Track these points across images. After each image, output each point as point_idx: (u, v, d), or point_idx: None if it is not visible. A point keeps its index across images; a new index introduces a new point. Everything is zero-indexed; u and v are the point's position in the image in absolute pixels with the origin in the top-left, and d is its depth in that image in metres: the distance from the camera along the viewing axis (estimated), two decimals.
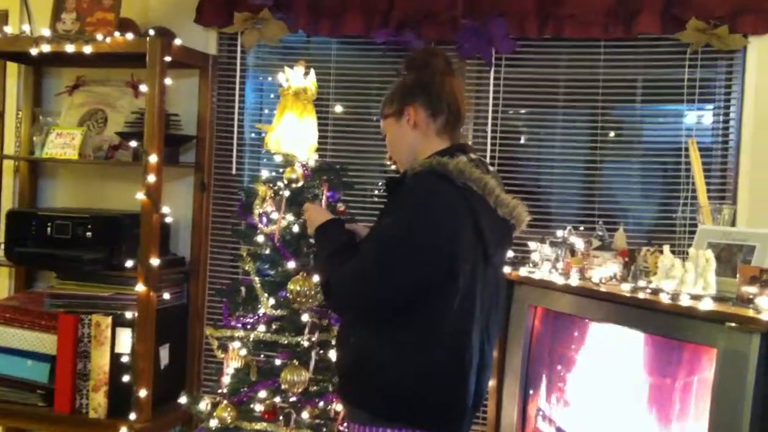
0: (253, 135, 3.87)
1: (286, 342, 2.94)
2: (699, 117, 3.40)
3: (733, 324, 2.02)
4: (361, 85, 3.74)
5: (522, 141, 3.64)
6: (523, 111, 3.63)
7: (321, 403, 2.96)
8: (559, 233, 2.95)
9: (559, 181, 3.58)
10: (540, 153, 3.64)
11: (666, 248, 2.44)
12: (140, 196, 3.34)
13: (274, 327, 2.99)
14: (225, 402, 2.96)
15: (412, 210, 2.09)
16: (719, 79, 3.36)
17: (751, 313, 2.03)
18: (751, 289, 2.13)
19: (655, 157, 3.49)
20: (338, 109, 3.62)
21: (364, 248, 2.17)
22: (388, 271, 2.07)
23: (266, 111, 3.89)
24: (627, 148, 3.51)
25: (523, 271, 2.94)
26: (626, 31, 3.31)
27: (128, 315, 3.42)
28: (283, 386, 2.88)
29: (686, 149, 3.14)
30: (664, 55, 3.39)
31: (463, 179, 2.11)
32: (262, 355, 3.10)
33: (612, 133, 3.51)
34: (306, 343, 2.93)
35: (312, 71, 3.07)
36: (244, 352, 2.96)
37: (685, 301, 2.20)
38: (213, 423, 2.96)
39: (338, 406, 2.96)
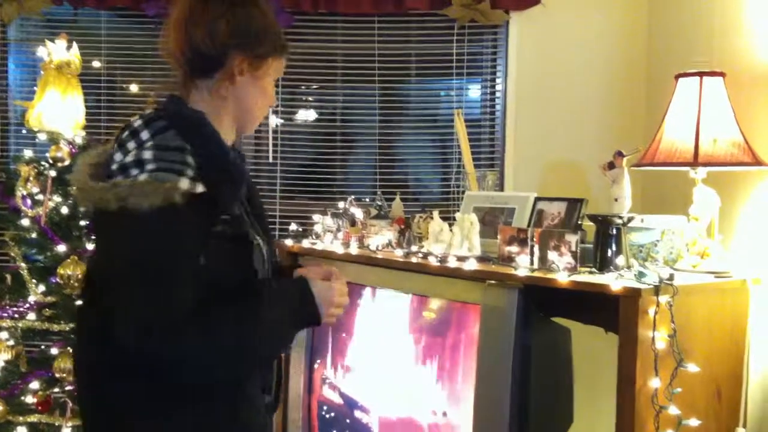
0: (19, 114, 3.62)
1: (58, 329, 2.80)
2: (468, 90, 3.57)
3: (493, 281, 2.15)
4: (136, 59, 3.59)
5: (303, 116, 3.66)
6: (303, 86, 3.64)
7: None
8: (341, 205, 3.00)
9: (343, 154, 3.64)
10: (322, 128, 3.67)
11: (435, 213, 2.55)
12: None
13: (46, 315, 2.84)
14: None
15: None
16: (486, 53, 3.54)
17: (511, 271, 2.17)
18: (511, 249, 2.28)
19: (431, 129, 3.63)
20: (134, 88, 3.44)
21: None
22: None
23: (36, 89, 3.65)
24: (405, 121, 3.63)
25: (306, 243, 2.97)
26: (397, 7, 3.40)
27: None
28: (57, 375, 2.75)
29: None
30: (434, 30, 3.52)
31: None
32: (42, 346, 2.93)
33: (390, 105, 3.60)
34: None
35: (74, 44, 2.91)
36: (11, 342, 2.79)
37: (452, 263, 2.32)
38: None
39: None
